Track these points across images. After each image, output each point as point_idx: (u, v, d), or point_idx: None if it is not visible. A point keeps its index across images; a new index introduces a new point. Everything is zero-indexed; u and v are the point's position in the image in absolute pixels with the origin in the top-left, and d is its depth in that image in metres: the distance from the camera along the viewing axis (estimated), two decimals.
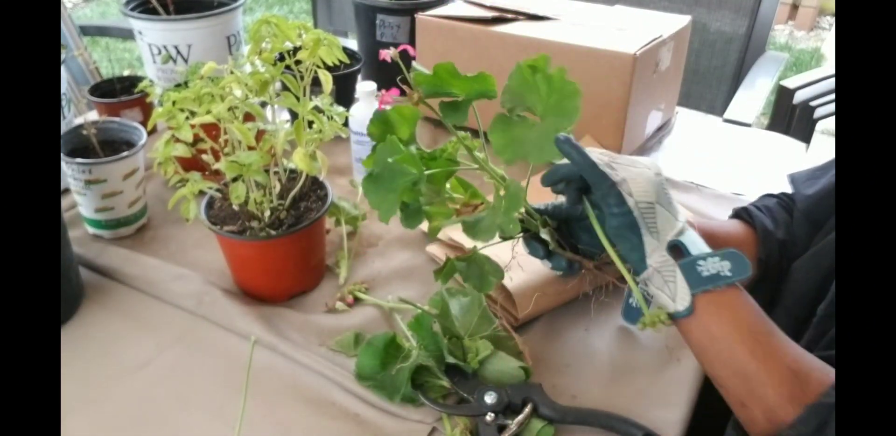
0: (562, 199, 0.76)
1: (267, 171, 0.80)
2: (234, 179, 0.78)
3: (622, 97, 1.05)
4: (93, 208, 0.93)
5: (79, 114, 1.13)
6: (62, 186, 0.98)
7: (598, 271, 0.75)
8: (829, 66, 2.16)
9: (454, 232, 0.92)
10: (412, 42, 1.23)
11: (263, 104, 0.81)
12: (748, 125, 1.47)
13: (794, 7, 4.10)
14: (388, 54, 0.68)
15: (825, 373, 0.58)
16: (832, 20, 4.12)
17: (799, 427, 0.56)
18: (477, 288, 0.74)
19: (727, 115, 1.52)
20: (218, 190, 0.84)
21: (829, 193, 0.79)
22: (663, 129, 1.28)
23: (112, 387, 0.76)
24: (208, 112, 0.75)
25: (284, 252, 0.84)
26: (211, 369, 0.78)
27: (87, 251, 0.93)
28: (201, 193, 0.80)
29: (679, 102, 1.32)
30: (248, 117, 0.78)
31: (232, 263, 0.88)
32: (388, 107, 0.69)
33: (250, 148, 0.77)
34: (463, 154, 0.70)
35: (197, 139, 0.78)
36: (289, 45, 0.77)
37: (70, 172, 0.90)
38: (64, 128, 0.98)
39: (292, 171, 0.88)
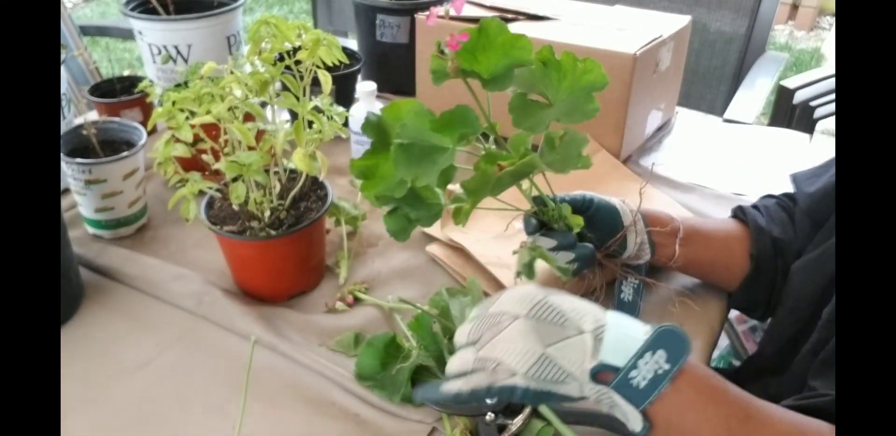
0: (573, 193, 0.76)
1: (267, 171, 0.80)
2: (234, 179, 0.78)
3: (622, 97, 1.05)
4: (93, 208, 0.93)
5: (79, 114, 1.13)
6: (62, 186, 0.98)
7: (604, 262, 0.76)
8: (829, 66, 2.16)
9: (454, 232, 0.92)
10: (412, 42, 1.23)
11: (263, 104, 0.81)
12: (748, 125, 1.47)
13: (794, 7, 4.10)
14: (437, 13, 0.65)
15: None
16: (832, 20, 4.12)
17: None
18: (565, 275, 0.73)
19: (727, 115, 1.52)
20: (218, 190, 0.84)
21: (831, 191, 0.79)
22: (663, 129, 1.28)
23: (112, 387, 0.76)
24: (208, 112, 0.75)
25: (284, 252, 0.84)
26: (211, 369, 0.78)
27: (87, 251, 0.93)
28: (201, 193, 0.80)
29: (679, 102, 1.32)
30: (248, 117, 0.78)
31: (232, 264, 0.88)
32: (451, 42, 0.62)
33: (250, 148, 0.77)
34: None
35: (197, 139, 0.78)
36: (288, 45, 0.77)
37: (70, 172, 0.90)
38: (64, 128, 0.98)
39: (292, 171, 0.88)
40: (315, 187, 0.88)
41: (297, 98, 0.79)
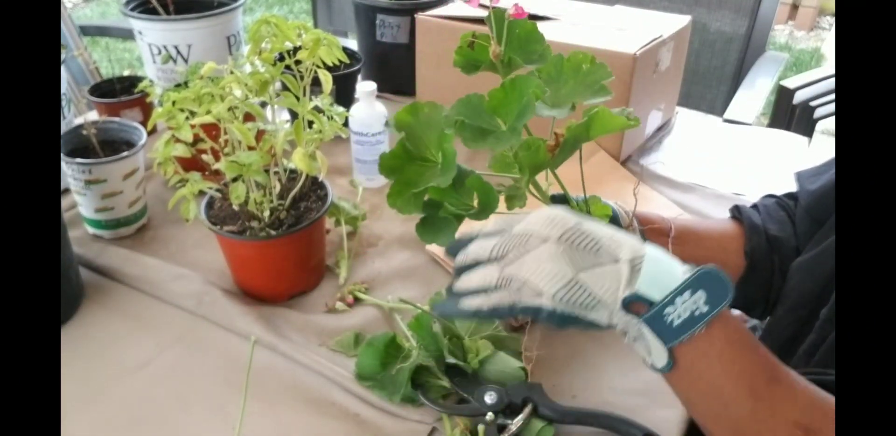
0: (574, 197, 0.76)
1: (267, 171, 0.80)
2: (234, 179, 0.78)
3: (622, 97, 1.05)
4: (93, 208, 0.93)
5: (79, 114, 1.13)
6: (62, 186, 0.98)
7: None
8: (829, 66, 2.16)
9: None
10: (412, 42, 1.23)
11: (263, 104, 0.81)
12: (748, 125, 1.47)
13: (794, 7, 4.10)
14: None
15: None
16: (832, 20, 4.12)
17: None
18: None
19: (727, 115, 1.52)
20: (218, 190, 0.84)
21: (831, 190, 0.79)
22: (663, 129, 1.28)
23: (112, 387, 0.76)
24: (208, 112, 0.75)
25: (284, 252, 0.84)
26: (211, 369, 0.78)
27: (87, 251, 0.93)
28: (201, 193, 0.80)
29: (679, 102, 1.32)
30: (248, 117, 0.78)
31: (232, 264, 0.88)
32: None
33: (250, 148, 0.77)
34: None
35: (197, 139, 0.78)
36: (289, 45, 0.77)
37: (70, 172, 0.90)
38: (64, 128, 0.98)
39: (292, 171, 0.88)
40: (315, 187, 0.88)
41: (297, 98, 0.79)
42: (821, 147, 1.23)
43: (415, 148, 0.66)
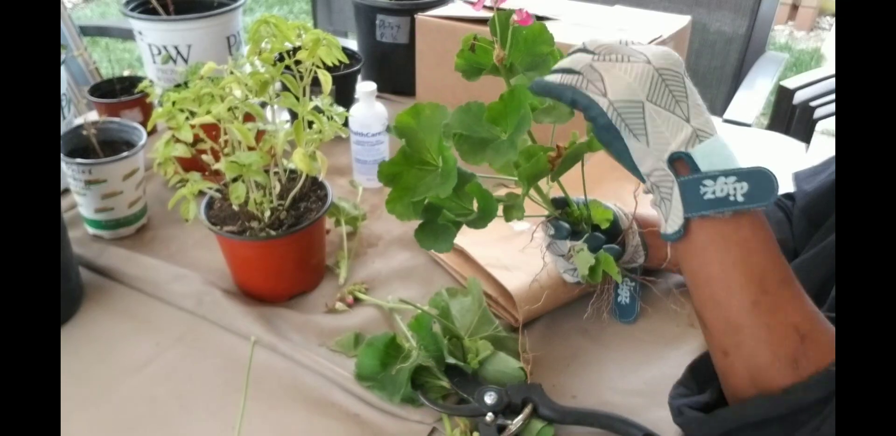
0: (576, 198, 0.76)
1: (267, 171, 0.80)
2: (234, 180, 0.78)
3: None
4: (93, 209, 0.93)
5: (79, 114, 1.13)
6: (62, 187, 0.98)
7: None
8: (829, 66, 2.16)
9: None
10: (412, 42, 1.23)
11: (263, 104, 0.81)
12: (748, 125, 1.47)
13: (794, 7, 4.10)
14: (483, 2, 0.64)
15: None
16: (832, 20, 4.12)
17: (798, 393, 0.49)
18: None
19: (727, 115, 1.52)
20: (218, 190, 0.84)
21: (827, 190, 0.79)
22: None
23: (112, 387, 0.76)
24: (208, 112, 0.75)
25: (284, 252, 0.84)
26: (211, 369, 0.78)
27: (87, 251, 0.93)
28: (201, 193, 0.80)
29: None
30: (248, 117, 0.78)
31: (232, 264, 0.88)
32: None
33: (250, 148, 0.77)
34: None
35: (197, 139, 0.78)
36: (288, 45, 0.77)
37: (70, 172, 0.90)
38: (64, 128, 0.98)
39: (292, 171, 0.88)
40: (315, 187, 0.88)
41: (297, 98, 0.79)
42: (821, 147, 1.23)
43: (415, 151, 0.66)
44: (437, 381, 0.73)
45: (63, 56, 0.98)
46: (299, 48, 0.77)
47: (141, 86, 0.95)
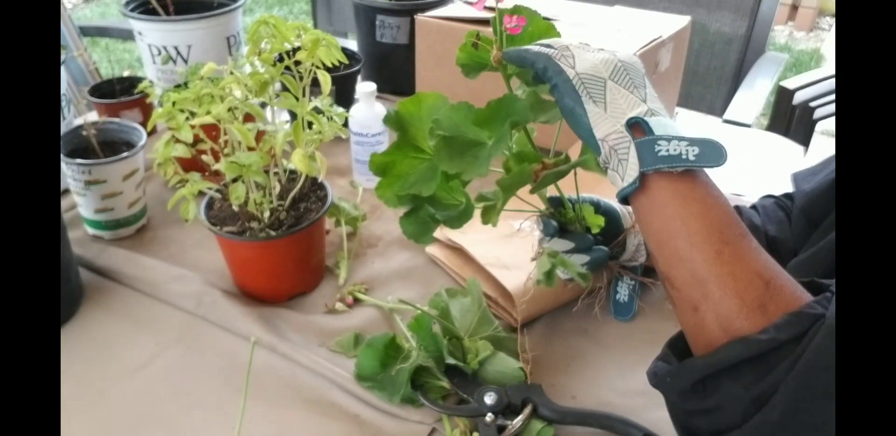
0: (581, 196, 0.76)
1: (267, 171, 0.80)
2: (234, 180, 0.78)
3: None
4: (92, 209, 0.93)
5: (79, 114, 1.13)
6: (62, 187, 0.98)
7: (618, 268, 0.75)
8: (828, 66, 2.16)
9: (453, 233, 0.92)
10: (412, 43, 1.24)
11: (263, 105, 0.81)
12: (748, 126, 1.47)
13: (794, 8, 4.10)
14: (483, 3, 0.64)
15: (802, 291, 0.52)
16: (832, 21, 4.12)
17: (770, 333, 0.49)
18: (583, 281, 0.72)
19: (727, 115, 1.52)
20: (218, 191, 0.84)
21: (826, 190, 0.79)
22: None
23: (112, 387, 0.76)
24: (208, 113, 0.75)
25: (284, 253, 0.84)
26: (211, 369, 0.78)
27: (87, 252, 0.93)
28: (201, 193, 0.80)
29: (679, 103, 1.32)
30: (248, 118, 0.78)
31: (232, 264, 0.88)
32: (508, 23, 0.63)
33: (250, 149, 0.77)
34: None
35: (197, 140, 0.78)
36: (288, 45, 0.77)
37: (70, 172, 0.90)
38: (64, 128, 0.98)
39: (292, 171, 0.88)
40: (315, 188, 0.88)
41: (297, 99, 0.79)
42: (820, 148, 1.23)
43: (411, 139, 0.66)
44: (437, 381, 0.73)
45: (63, 56, 0.98)
46: (299, 49, 0.77)
47: (141, 86, 0.95)
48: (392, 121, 0.66)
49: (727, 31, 1.72)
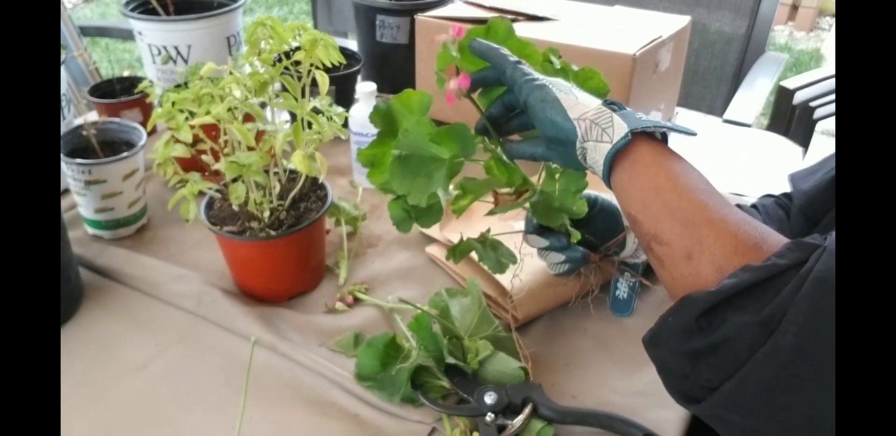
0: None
1: (267, 171, 0.80)
2: (234, 180, 0.78)
3: (622, 98, 1.05)
4: (92, 209, 0.93)
5: (79, 114, 1.13)
6: (62, 187, 0.98)
7: (600, 263, 0.77)
8: (828, 66, 2.16)
9: (452, 234, 0.92)
10: (412, 42, 1.23)
11: (263, 105, 0.81)
12: (748, 126, 1.47)
13: (794, 8, 4.10)
14: (441, 39, 0.66)
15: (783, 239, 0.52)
16: (832, 21, 4.12)
17: (771, 260, 0.48)
18: (493, 270, 0.74)
19: (727, 115, 1.52)
20: (218, 190, 0.84)
21: (824, 189, 0.79)
22: None
23: (112, 387, 0.76)
24: (208, 113, 0.75)
25: (284, 253, 0.84)
26: (211, 369, 0.78)
27: (87, 252, 0.93)
28: (201, 193, 0.80)
29: (679, 103, 1.32)
30: (248, 118, 0.78)
31: (232, 264, 0.88)
32: (446, 37, 0.65)
33: (250, 148, 0.77)
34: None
35: (196, 140, 0.78)
36: (287, 46, 0.77)
37: (70, 172, 0.90)
38: (64, 128, 0.98)
39: (292, 171, 0.88)
40: (315, 188, 0.88)
41: (297, 99, 0.79)
42: (820, 148, 1.23)
43: (396, 131, 0.67)
44: (437, 381, 0.73)
45: (63, 56, 0.98)
46: (298, 49, 0.77)
47: (141, 86, 0.95)
48: (380, 115, 0.67)
49: (727, 30, 1.72)
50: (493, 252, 0.74)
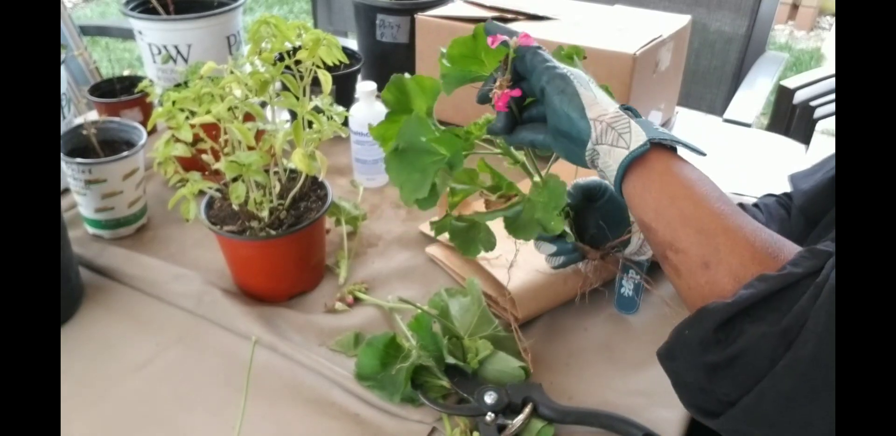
0: (590, 178, 0.76)
1: (267, 171, 0.80)
2: (234, 179, 0.78)
3: (622, 97, 1.05)
4: (93, 208, 0.93)
5: (79, 114, 1.13)
6: (62, 186, 0.98)
7: (602, 260, 0.77)
8: (829, 66, 2.16)
9: None
10: (412, 42, 1.23)
11: (263, 104, 0.81)
12: (748, 125, 1.47)
13: (794, 7, 4.10)
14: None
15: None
16: (832, 20, 4.12)
17: (786, 269, 0.48)
18: (462, 250, 0.72)
19: (727, 115, 1.52)
20: (218, 190, 0.84)
21: (824, 189, 0.79)
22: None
23: (112, 387, 0.76)
24: (208, 112, 0.75)
25: (284, 252, 0.84)
26: (211, 369, 0.78)
27: (87, 251, 0.93)
28: (201, 192, 0.80)
29: (679, 102, 1.32)
30: (248, 117, 0.78)
31: (232, 263, 0.88)
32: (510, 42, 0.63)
33: (250, 148, 0.77)
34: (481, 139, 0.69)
35: (197, 139, 0.78)
36: (289, 45, 0.77)
37: (70, 172, 0.90)
38: (64, 128, 0.98)
39: (292, 171, 0.88)
40: (315, 187, 0.88)
41: (297, 98, 0.79)
42: (821, 147, 1.23)
43: (407, 107, 0.68)
44: (437, 380, 0.73)
45: (63, 56, 0.98)
46: (299, 48, 0.77)
47: (141, 85, 0.95)
48: (396, 88, 0.68)
49: (727, 30, 1.72)
50: (473, 234, 0.72)
